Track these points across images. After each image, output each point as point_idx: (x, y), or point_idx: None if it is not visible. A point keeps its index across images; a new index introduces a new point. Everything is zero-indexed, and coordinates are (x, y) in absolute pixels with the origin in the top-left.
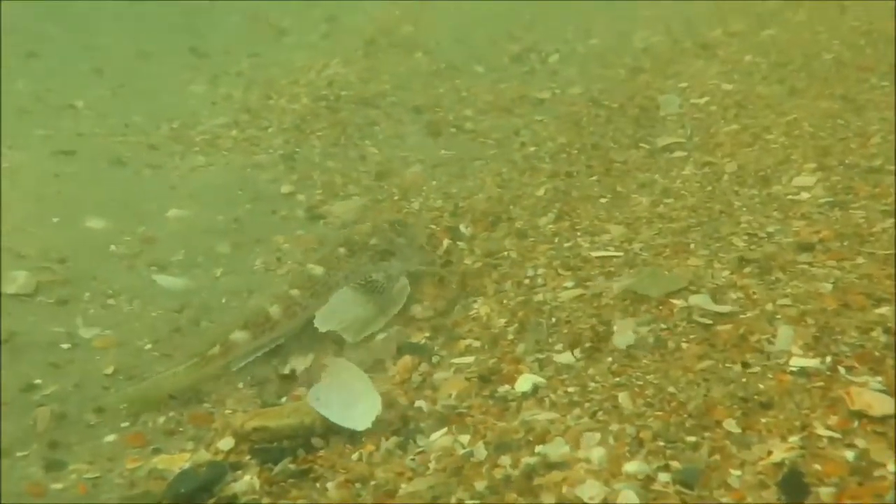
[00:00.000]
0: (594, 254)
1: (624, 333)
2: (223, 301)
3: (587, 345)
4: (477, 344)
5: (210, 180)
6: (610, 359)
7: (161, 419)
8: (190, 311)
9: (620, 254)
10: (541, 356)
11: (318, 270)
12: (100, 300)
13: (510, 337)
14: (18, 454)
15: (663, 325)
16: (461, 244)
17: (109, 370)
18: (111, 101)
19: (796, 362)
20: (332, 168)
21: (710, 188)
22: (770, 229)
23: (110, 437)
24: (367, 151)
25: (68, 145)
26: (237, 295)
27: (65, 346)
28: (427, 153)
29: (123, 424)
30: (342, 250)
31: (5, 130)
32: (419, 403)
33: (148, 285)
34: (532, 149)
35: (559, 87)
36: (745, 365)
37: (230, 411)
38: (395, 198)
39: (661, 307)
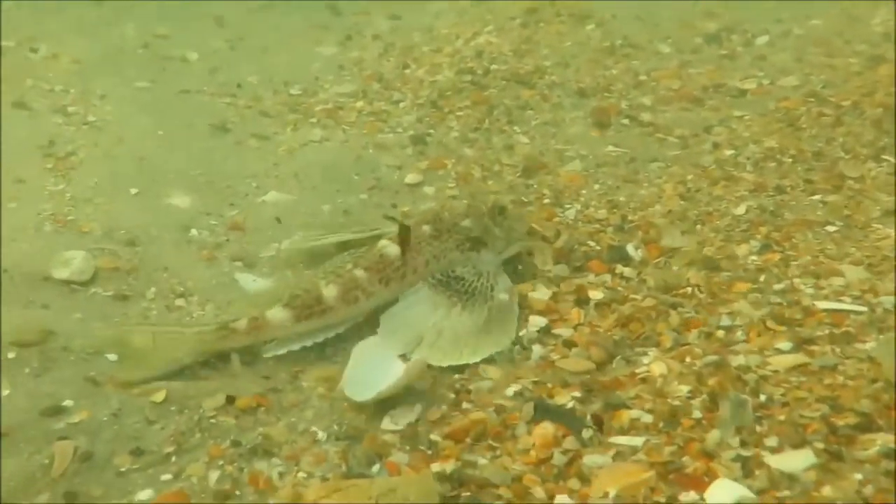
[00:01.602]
0: (821, 304)
1: (884, 437)
2: None
3: (819, 446)
4: (648, 419)
5: (322, 159)
6: (859, 475)
7: (215, 473)
8: None
9: (863, 308)
10: (746, 453)
11: (393, 249)
12: (166, 299)
13: (697, 415)
14: None
15: None
16: (627, 271)
17: (159, 397)
18: (227, 56)
19: None
20: (471, 157)
21: None
22: None
23: (144, 494)
24: (515, 140)
25: (168, 103)
26: None
27: (112, 356)
28: (590, 148)
29: (164, 477)
30: (426, 229)
31: (103, 78)
32: (562, 500)
33: (227, 285)
34: (729, 152)
35: (768, 76)
36: None
37: (304, 475)
38: (545, 201)
39: None
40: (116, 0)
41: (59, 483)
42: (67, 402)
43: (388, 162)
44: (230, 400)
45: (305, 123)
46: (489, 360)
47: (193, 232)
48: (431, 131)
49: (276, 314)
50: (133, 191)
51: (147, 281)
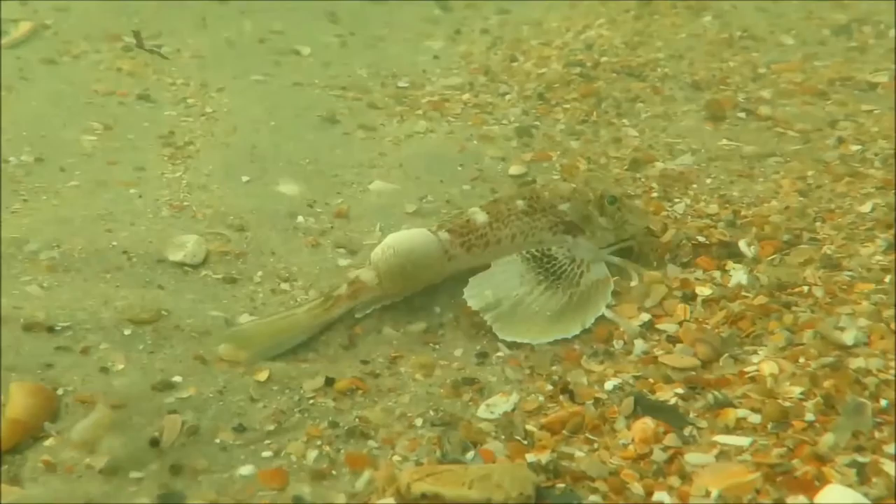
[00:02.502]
0: None
1: None
2: (417, 303)
3: None
4: (755, 419)
5: (427, 150)
6: None
7: (313, 452)
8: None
9: None
10: (862, 459)
11: (482, 217)
12: (272, 283)
13: (808, 417)
14: (132, 474)
15: None
16: (739, 268)
17: (263, 377)
18: (338, 51)
19: None
20: (577, 149)
21: None
22: None
23: (245, 469)
24: (623, 133)
25: (280, 95)
26: (440, 295)
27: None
28: (703, 141)
29: (265, 454)
30: (520, 204)
31: (221, 71)
32: (661, 497)
33: (330, 270)
34: (855, 148)
35: None
36: None
37: (399, 458)
38: (654, 195)
39: None
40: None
41: (167, 455)
42: (177, 379)
43: (491, 153)
44: (329, 382)
45: (412, 115)
46: (592, 355)
47: (300, 219)
48: (537, 123)
49: (368, 274)
50: (244, 178)
51: (255, 265)
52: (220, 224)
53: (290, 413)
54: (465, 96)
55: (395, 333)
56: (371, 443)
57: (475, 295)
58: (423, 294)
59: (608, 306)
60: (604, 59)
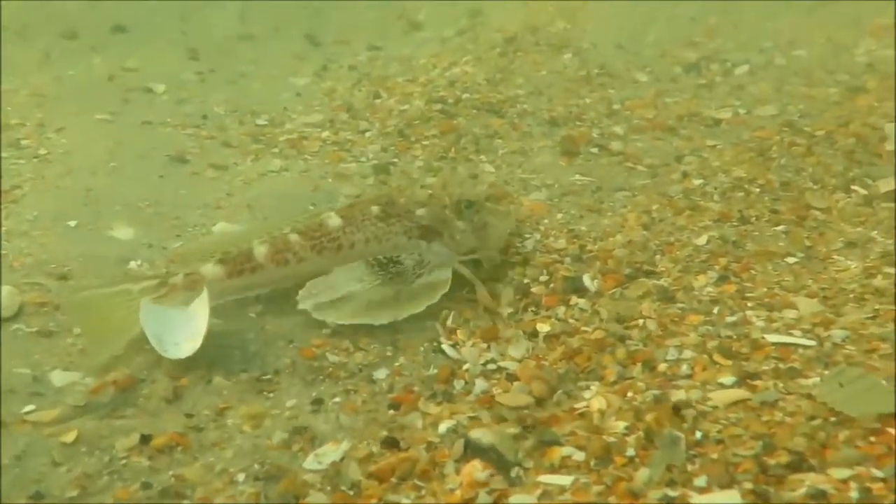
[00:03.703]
0: (770, 338)
1: (813, 477)
2: (253, 349)
3: (748, 486)
4: (579, 456)
5: (279, 190)
6: None
7: None
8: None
9: (811, 342)
10: (672, 493)
11: (336, 221)
12: None
13: (629, 452)
14: None
15: (876, 472)
16: (581, 302)
17: (70, 438)
18: (196, 87)
19: None
20: (432, 185)
21: None
22: None
23: None
24: (480, 169)
25: (126, 135)
26: (277, 340)
27: (31, 394)
28: (556, 177)
29: None
30: (375, 209)
31: (62, 110)
32: None
33: None
34: (697, 182)
35: (744, 105)
36: None
37: None
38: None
39: (873, 438)
40: (89, 36)
41: None
42: None
43: (346, 192)
44: (145, 439)
45: (267, 153)
46: (430, 397)
47: (132, 265)
48: (395, 160)
49: (210, 269)
50: (72, 223)
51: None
52: (40, 273)
53: (97, 476)
54: (325, 133)
55: (226, 383)
56: (185, 503)
57: (307, 298)
58: (258, 340)
59: (451, 344)
60: (465, 95)
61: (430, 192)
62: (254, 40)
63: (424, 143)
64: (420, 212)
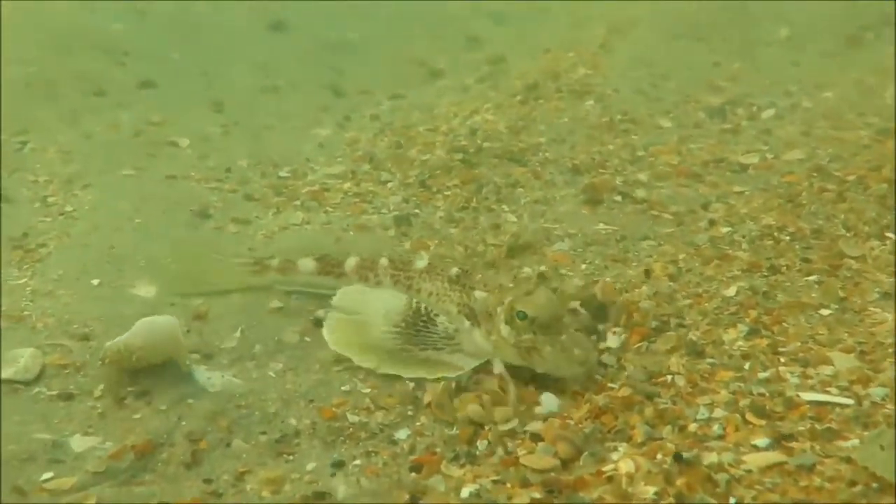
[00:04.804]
0: (805, 396)
1: None
2: (272, 409)
3: None
4: None
5: (300, 243)
6: None
7: None
8: (225, 420)
9: (849, 401)
10: None
11: (422, 263)
12: (114, 397)
13: None
14: None
15: None
16: (606, 358)
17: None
18: (220, 141)
19: None
20: (454, 237)
21: None
22: None
23: None
24: (503, 219)
25: (151, 190)
26: (297, 400)
27: (50, 461)
28: (580, 226)
29: None
30: (454, 270)
31: (89, 167)
32: None
33: (184, 379)
34: (725, 230)
35: (772, 150)
36: None
37: None
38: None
39: None
40: (117, 92)
41: None
42: None
43: (366, 245)
44: None
45: (289, 206)
46: (453, 458)
47: None
48: (417, 211)
49: (305, 263)
50: (95, 281)
51: (97, 377)
52: (63, 334)
53: None
54: (347, 185)
55: (246, 446)
56: None
57: (339, 299)
58: (278, 400)
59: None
60: (486, 144)
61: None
62: (277, 92)
63: (446, 192)
64: (480, 294)
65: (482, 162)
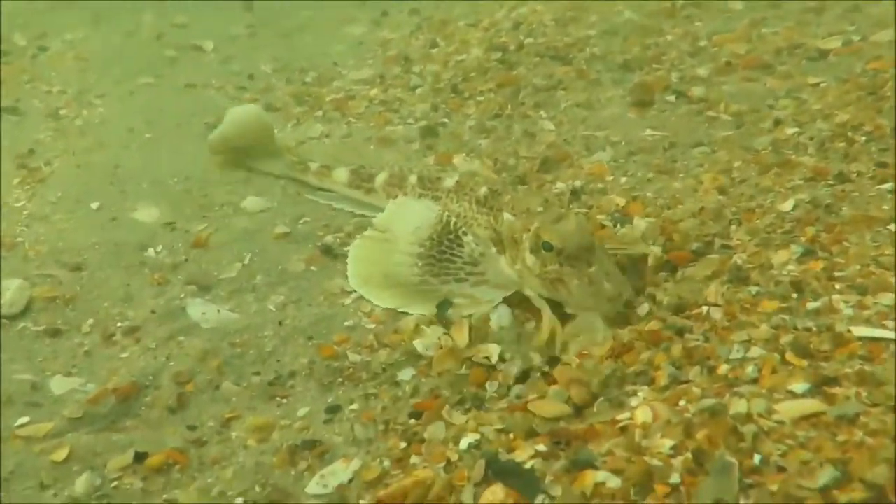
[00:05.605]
0: (857, 331)
1: None
2: (269, 347)
3: None
4: (615, 483)
5: (317, 158)
6: None
7: None
8: (217, 360)
9: None
10: None
11: (450, 182)
12: (102, 333)
13: (674, 479)
14: None
15: None
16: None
17: (61, 455)
18: (246, 43)
19: None
20: (483, 149)
21: None
22: None
23: None
24: (538, 126)
25: (167, 100)
26: (296, 336)
27: (28, 404)
28: (625, 132)
29: None
30: (483, 190)
31: (107, 75)
32: None
33: (174, 314)
34: (791, 131)
35: (858, 31)
36: None
37: None
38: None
39: None
40: None
41: None
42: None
43: (389, 159)
44: (140, 458)
45: (310, 117)
46: (458, 402)
47: (150, 252)
48: (445, 120)
49: (339, 172)
50: (95, 205)
51: (86, 311)
52: (54, 263)
53: (84, 501)
54: (374, 91)
55: (236, 388)
56: None
57: (378, 220)
58: (276, 336)
59: None
60: (529, 40)
61: (552, 205)
62: None
63: (479, 98)
64: (508, 215)
65: (522, 61)
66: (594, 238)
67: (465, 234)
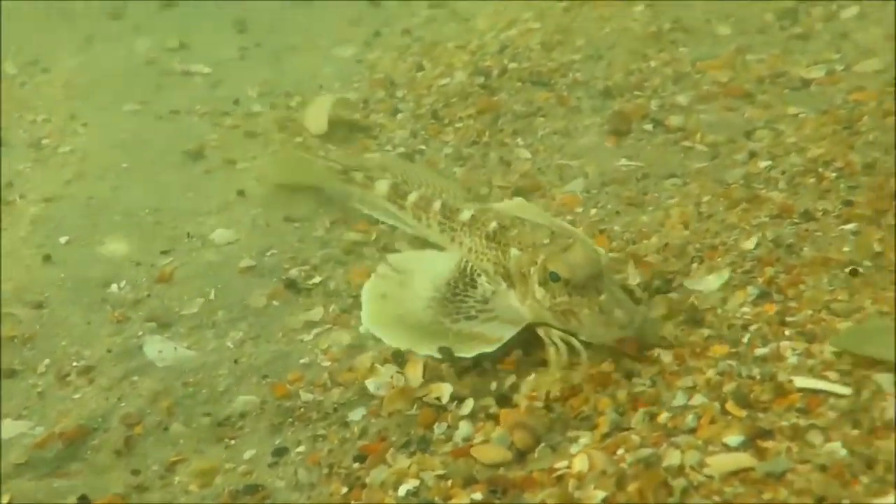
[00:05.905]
0: (798, 381)
1: None
2: (221, 387)
3: None
4: None
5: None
6: None
7: None
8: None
9: (846, 390)
10: None
11: (466, 216)
12: (58, 373)
13: None
14: None
15: None
16: None
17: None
18: (235, 67)
19: None
20: (458, 177)
21: None
22: None
23: None
24: (514, 155)
25: (149, 128)
26: (250, 375)
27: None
28: (600, 162)
29: None
30: (493, 225)
31: (93, 101)
32: None
33: (130, 353)
34: (764, 164)
35: (843, 60)
36: None
37: None
38: None
39: None
40: (136, 14)
41: None
42: None
43: None
44: (83, 501)
45: (288, 144)
46: (404, 445)
47: (113, 287)
48: (423, 147)
49: (381, 184)
50: (63, 239)
51: (44, 350)
52: (17, 302)
53: None
54: (355, 116)
55: (185, 430)
56: None
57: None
58: (230, 375)
59: None
60: (513, 64)
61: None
62: (312, 5)
63: (458, 125)
64: (515, 252)
65: (504, 87)
66: (602, 266)
67: (479, 275)
